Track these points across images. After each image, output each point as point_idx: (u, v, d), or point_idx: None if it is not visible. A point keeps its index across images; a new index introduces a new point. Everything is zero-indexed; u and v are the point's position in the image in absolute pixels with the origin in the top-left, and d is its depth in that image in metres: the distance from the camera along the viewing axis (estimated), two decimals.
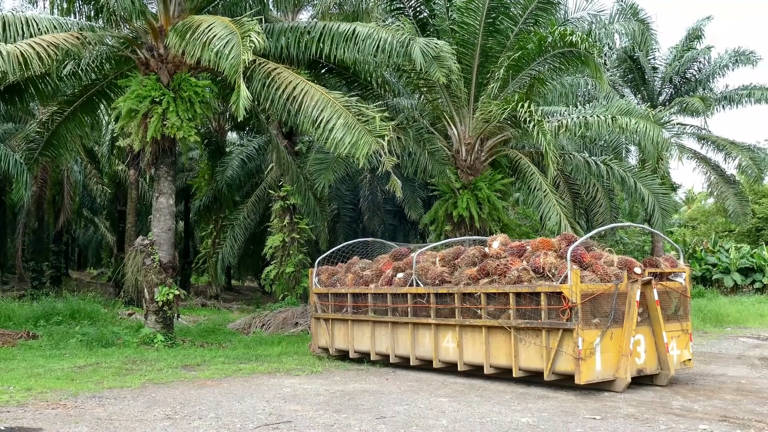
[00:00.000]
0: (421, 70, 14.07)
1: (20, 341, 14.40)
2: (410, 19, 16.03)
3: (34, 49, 13.07)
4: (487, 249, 10.66)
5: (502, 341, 9.75)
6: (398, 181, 13.64)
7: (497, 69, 15.45)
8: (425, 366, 11.09)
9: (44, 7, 15.29)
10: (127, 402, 8.51)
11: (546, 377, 9.18)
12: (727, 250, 33.46)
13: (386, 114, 13.35)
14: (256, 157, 26.20)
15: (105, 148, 29.19)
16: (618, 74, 26.83)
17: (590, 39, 15.09)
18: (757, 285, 31.88)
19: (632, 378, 9.21)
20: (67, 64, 15.85)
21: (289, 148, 20.51)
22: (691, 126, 27.12)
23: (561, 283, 9.04)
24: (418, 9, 16.59)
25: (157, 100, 14.41)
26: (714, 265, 33.08)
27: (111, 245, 37.84)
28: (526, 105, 14.24)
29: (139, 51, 15.21)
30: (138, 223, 27.71)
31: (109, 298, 25.29)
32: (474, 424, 7.25)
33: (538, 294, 9.24)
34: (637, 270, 9.42)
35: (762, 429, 6.99)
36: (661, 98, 27.10)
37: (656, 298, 9.46)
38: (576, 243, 9.50)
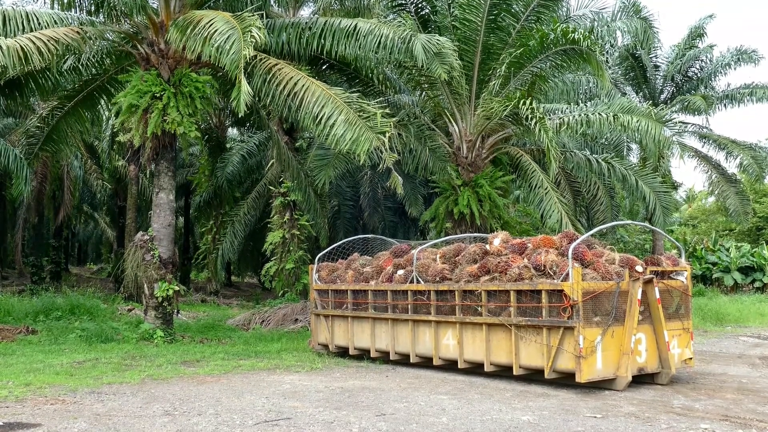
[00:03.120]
0: (422, 66, 14.02)
1: (19, 336, 14.38)
2: (412, 16, 15.97)
3: (34, 43, 13.02)
4: (488, 246, 10.63)
5: (503, 339, 9.72)
6: (399, 177, 13.60)
7: (499, 66, 15.42)
8: (425, 363, 11.06)
9: (45, 2, 15.25)
10: (126, 398, 8.49)
11: (547, 375, 9.16)
12: (728, 249, 33.46)
13: (387, 110, 13.30)
14: (256, 154, 26.17)
15: (105, 144, 29.17)
16: (620, 72, 26.79)
17: (592, 36, 15.03)
18: (757, 284, 31.90)
19: (633, 376, 9.19)
20: (67, 59, 15.80)
21: (289, 144, 20.47)
22: (693, 124, 27.11)
23: (562, 280, 9.01)
24: (419, 5, 16.52)
25: (158, 95, 14.37)
26: (714, 264, 33.09)
27: (111, 241, 37.86)
28: (527, 102, 14.20)
29: (139, 46, 15.16)
30: (138, 219, 27.70)
31: (109, 293, 25.29)
32: (474, 421, 7.23)
33: (539, 292, 9.21)
34: (639, 268, 9.39)
35: (763, 429, 6.96)
36: (662, 96, 27.05)
37: (657, 296, 9.42)
38: (577, 241, 9.46)
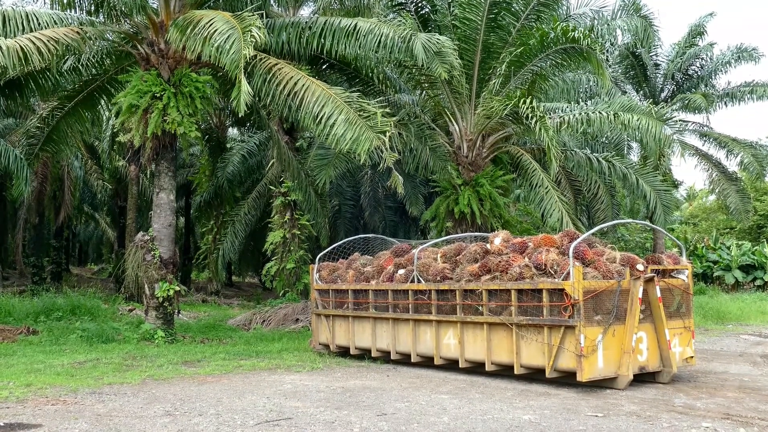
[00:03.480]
0: (422, 65, 14.02)
1: (20, 337, 14.38)
2: (412, 15, 15.98)
3: (34, 44, 13.01)
4: (488, 245, 10.62)
5: (504, 338, 9.71)
6: (399, 177, 13.60)
7: (499, 65, 15.41)
8: (426, 363, 11.06)
9: (44, 2, 15.25)
10: (127, 398, 8.48)
11: (548, 374, 9.15)
12: (729, 248, 33.43)
13: (387, 110, 13.30)
14: (256, 153, 26.16)
15: (105, 144, 29.16)
16: (620, 71, 26.78)
17: (592, 35, 15.03)
18: (758, 282, 31.88)
19: (634, 375, 9.18)
20: (67, 60, 15.80)
21: (290, 144, 20.47)
22: (693, 123, 27.10)
23: (563, 279, 9.00)
24: (419, 5, 16.53)
25: (158, 95, 14.36)
26: (715, 263, 33.07)
27: (111, 241, 37.85)
28: (527, 101, 14.20)
29: (139, 46, 15.15)
30: (138, 219, 27.69)
31: (110, 293, 25.27)
32: (476, 421, 7.22)
33: (540, 291, 9.20)
34: (640, 267, 9.37)
35: (765, 427, 6.95)
36: (663, 95, 27.05)
37: (659, 295, 9.41)
38: (578, 240, 9.45)
